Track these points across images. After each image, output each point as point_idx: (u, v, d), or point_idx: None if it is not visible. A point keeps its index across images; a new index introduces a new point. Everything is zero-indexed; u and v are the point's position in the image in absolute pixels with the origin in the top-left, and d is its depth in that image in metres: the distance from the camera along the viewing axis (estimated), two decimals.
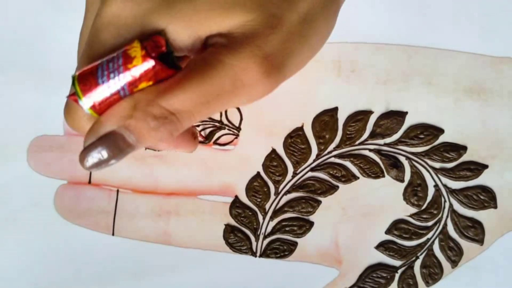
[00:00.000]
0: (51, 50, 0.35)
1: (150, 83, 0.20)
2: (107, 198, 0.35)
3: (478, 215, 0.34)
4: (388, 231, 0.34)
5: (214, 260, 0.34)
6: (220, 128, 0.34)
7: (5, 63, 0.35)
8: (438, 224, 0.34)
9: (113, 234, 0.35)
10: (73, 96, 0.20)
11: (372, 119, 0.34)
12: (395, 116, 0.34)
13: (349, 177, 0.34)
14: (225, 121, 0.34)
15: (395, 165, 0.34)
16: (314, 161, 0.34)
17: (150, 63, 0.19)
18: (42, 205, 0.35)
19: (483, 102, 0.34)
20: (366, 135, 0.34)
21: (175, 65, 0.20)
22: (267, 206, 0.34)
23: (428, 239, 0.34)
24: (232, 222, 0.34)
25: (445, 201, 0.34)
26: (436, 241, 0.34)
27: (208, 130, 0.35)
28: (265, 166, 0.34)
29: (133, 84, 0.19)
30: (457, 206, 0.34)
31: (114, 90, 0.19)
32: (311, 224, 0.34)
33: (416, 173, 0.34)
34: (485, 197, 0.34)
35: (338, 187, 0.34)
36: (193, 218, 0.34)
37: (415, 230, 0.34)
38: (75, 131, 0.22)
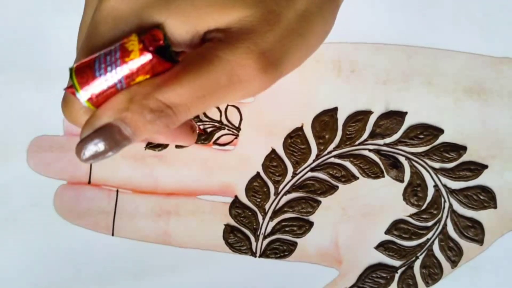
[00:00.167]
0: (51, 50, 0.35)
1: (147, 76, 0.20)
2: (106, 198, 0.35)
3: (478, 215, 0.34)
4: (388, 231, 0.34)
5: (214, 260, 0.34)
6: (220, 128, 0.34)
7: (5, 63, 0.35)
8: (438, 224, 0.34)
9: (112, 234, 0.35)
10: (71, 89, 0.20)
11: (372, 119, 0.34)
12: (395, 116, 0.34)
13: (349, 177, 0.34)
14: (225, 121, 0.34)
15: (395, 165, 0.34)
16: (314, 161, 0.34)
17: (147, 57, 0.19)
18: (42, 205, 0.35)
19: (483, 102, 0.34)
20: (366, 135, 0.34)
21: (173, 59, 0.20)
22: (267, 206, 0.34)
23: (428, 239, 0.34)
24: (232, 222, 0.34)
25: (445, 201, 0.34)
26: (436, 241, 0.34)
27: (208, 130, 0.35)
28: (265, 166, 0.34)
29: (130, 77, 0.19)
30: (457, 206, 0.34)
31: (111, 83, 0.19)
32: (311, 224, 0.34)
33: (416, 173, 0.34)
34: (485, 197, 0.34)
35: (338, 187, 0.34)
36: (193, 218, 0.34)
37: (415, 230, 0.34)
38: (72, 124, 0.22)
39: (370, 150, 0.34)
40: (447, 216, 0.34)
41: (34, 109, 0.35)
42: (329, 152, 0.34)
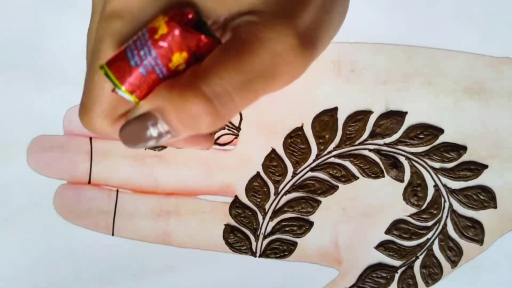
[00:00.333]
0: (51, 50, 0.35)
1: (184, 54, 0.19)
2: (107, 198, 0.35)
3: (478, 215, 0.34)
4: (388, 231, 0.34)
5: (214, 260, 0.34)
6: (220, 128, 0.34)
7: (5, 63, 0.35)
8: (438, 224, 0.34)
9: (112, 234, 0.35)
10: (113, 90, 0.19)
11: (372, 119, 0.34)
12: (395, 116, 0.34)
13: (349, 177, 0.34)
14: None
15: (395, 165, 0.34)
16: (314, 161, 0.34)
17: (175, 29, 0.18)
18: (42, 205, 0.35)
19: (483, 102, 0.34)
20: (366, 135, 0.34)
21: (210, 34, 0.19)
22: (267, 206, 0.34)
23: (428, 239, 0.34)
24: (232, 222, 0.34)
25: (445, 201, 0.34)
26: (436, 241, 0.34)
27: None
28: (265, 166, 0.34)
29: (165, 56, 0.18)
30: (457, 206, 0.34)
31: (149, 67, 0.18)
32: (311, 224, 0.34)
33: (416, 173, 0.34)
34: (485, 197, 0.34)
35: (338, 187, 0.34)
36: (193, 218, 0.34)
37: (415, 230, 0.34)
38: (92, 132, 0.21)
39: (370, 150, 0.34)
40: (447, 216, 0.34)
41: (34, 109, 0.35)
42: (329, 152, 0.34)
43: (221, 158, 0.34)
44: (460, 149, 0.34)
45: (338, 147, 0.34)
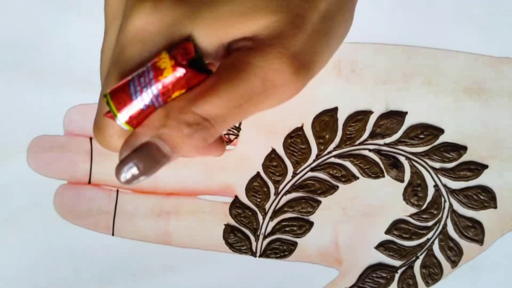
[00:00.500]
0: (51, 50, 0.35)
1: (183, 90, 0.19)
2: (107, 198, 0.35)
3: (478, 215, 0.34)
4: (388, 231, 0.34)
5: (214, 260, 0.34)
6: None
7: (5, 63, 0.35)
8: (438, 224, 0.34)
9: (113, 234, 0.35)
10: (109, 114, 0.20)
11: (372, 119, 0.34)
12: (395, 116, 0.34)
13: (349, 177, 0.34)
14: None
15: (395, 165, 0.34)
16: (314, 161, 0.34)
17: (180, 72, 0.19)
18: (42, 205, 0.35)
19: (483, 102, 0.34)
20: (366, 135, 0.34)
21: (206, 70, 0.20)
22: (267, 206, 0.34)
23: (428, 239, 0.34)
24: (232, 222, 0.34)
25: (445, 201, 0.34)
26: (436, 241, 0.34)
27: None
28: (265, 166, 0.34)
29: (166, 94, 0.19)
30: (457, 206, 0.34)
31: (148, 102, 0.19)
32: (311, 224, 0.34)
33: (416, 173, 0.34)
34: (485, 197, 0.34)
35: (338, 187, 0.34)
36: (193, 218, 0.34)
37: (415, 230, 0.34)
38: (107, 149, 0.22)
39: (370, 150, 0.34)
40: (447, 216, 0.34)
41: (34, 109, 0.35)
42: (329, 152, 0.34)
43: (221, 158, 0.34)
44: (460, 149, 0.34)
45: (338, 147, 0.34)
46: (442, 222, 0.34)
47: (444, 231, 0.34)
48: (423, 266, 0.34)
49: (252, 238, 0.34)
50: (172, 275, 0.35)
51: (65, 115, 0.35)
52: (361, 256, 0.34)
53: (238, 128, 0.34)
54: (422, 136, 0.34)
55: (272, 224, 0.34)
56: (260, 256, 0.34)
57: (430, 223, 0.34)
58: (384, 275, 0.34)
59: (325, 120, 0.34)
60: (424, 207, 0.34)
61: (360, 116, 0.34)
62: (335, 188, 0.34)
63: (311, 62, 0.21)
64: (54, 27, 0.35)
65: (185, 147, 0.19)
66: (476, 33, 0.34)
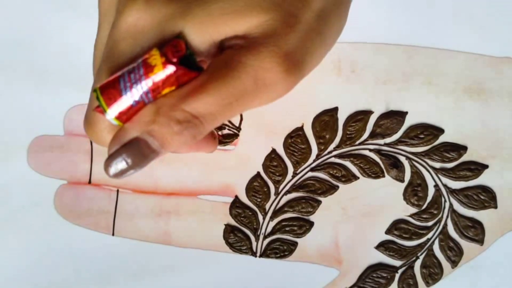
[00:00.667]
0: (51, 50, 0.35)
1: (173, 87, 0.20)
2: (107, 198, 0.35)
3: (478, 215, 0.34)
4: (388, 231, 0.34)
5: (214, 260, 0.34)
6: (220, 128, 0.34)
7: (5, 63, 0.35)
8: (438, 224, 0.34)
9: (113, 234, 0.35)
10: (98, 108, 0.20)
11: (372, 119, 0.34)
12: (395, 116, 0.34)
13: (349, 177, 0.34)
14: (225, 121, 0.34)
15: (395, 165, 0.34)
16: (314, 161, 0.34)
17: (171, 69, 0.19)
18: (42, 205, 0.35)
19: (483, 102, 0.34)
20: (366, 135, 0.34)
21: (197, 67, 0.20)
22: (267, 206, 0.34)
23: (428, 239, 0.34)
24: (232, 222, 0.34)
25: (445, 201, 0.34)
26: (436, 241, 0.34)
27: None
28: (265, 166, 0.34)
29: (155, 90, 0.19)
30: (457, 206, 0.34)
31: (138, 98, 0.19)
32: (311, 224, 0.34)
33: (416, 173, 0.34)
34: (485, 197, 0.34)
35: (338, 187, 0.34)
36: (193, 218, 0.34)
37: (415, 230, 0.34)
38: (97, 144, 0.22)
39: (370, 150, 0.34)
40: (447, 216, 0.34)
41: (34, 109, 0.35)
42: (330, 152, 0.34)
43: (221, 158, 0.34)
44: (460, 149, 0.34)
45: (338, 147, 0.34)
46: (442, 222, 0.34)
47: (444, 231, 0.34)
48: (423, 266, 0.34)
49: (252, 238, 0.34)
50: (172, 275, 0.35)
51: (65, 115, 0.35)
52: (361, 256, 0.34)
53: (238, 128, 0.34)
54: (422, 136, 0.34)
55: (272, 224, 0.34)
56: (260, 256, 0.34)
57: (430, 223, 0.34)
58: (385, 275, 0.34)
59: (325, 120, 0.34)
60: (424, 207, 0.34)
61: (360, 116, 0.34)
62: (335, 188, 0.34)
63: (303, 61, 0.21)
64: (54, 27, 0.35)
65: (174, 143, 0.19)
66: (476, 33, 0.34)
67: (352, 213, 0.34)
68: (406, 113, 0.34)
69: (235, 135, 0.34)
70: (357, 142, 0.34)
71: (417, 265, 0.34)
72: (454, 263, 0.34)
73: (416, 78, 0.34)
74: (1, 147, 0.35)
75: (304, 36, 0.20)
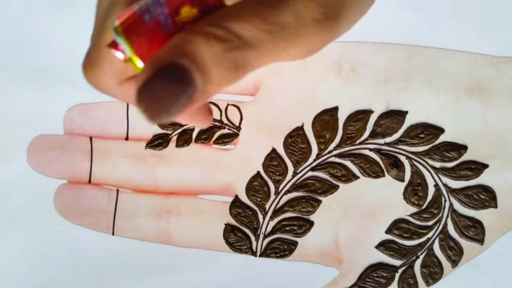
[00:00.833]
0: (51, 50, 0.35)
1: (194, 10, 0.17)
2: (107, 198, 0.35)
3: (479, 215, 0.34)
4: (388, 231, 0.34)
5: (214, 260, 0.34)
6: (220, 128, 0.34)
7: (5, 63, 0.35)
8: (438, 224, 0.34)
9: (113, 234, 0.35)
10: (113, 44, 0.17)
11: (373, 119, 0.34)
12: (395, 116, 0.34)
13: (350, 177, 0.34)
14: (225, 121, 0.34)
15: (395, 164, 0.34)
16: (314, 160, 0.34)
17: None
18: (42, 205, 0.35)
19: (483, 101, 0.34)
20: (366, 134, 0.34)
21: None
22: (267, 206, 0.34)
23: (429, 239, 0.34)
24: (232, 221, 0.34)
25: (445, 200, 0.34)
26: (436, 241, 0.34)
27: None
28: (265, 165, 0.34)
29: (173, 4, 0.17)
30: (457, 206, 0.34)
31: (153, 14, 0.17)
32: (311, 223, 0.34)
33: (416, 173, 0.34)
34: (486, 197, 0.34)
35: (338, 186, 0.34)
36: (193, 217, 0.34)
37: (416, 230, 0.34)
38: (97, 89, 0.20)
39: (370, 150, 0.34)
40: (447, 216, 0.34)
41: (34, 109, 0.35)
42: (330, 152, 0.34)
43: (222, 158, 0.34)
44: (460, 148, 0.34)
45: (338, 146, 0.34)
46: (443, 222, 0.34)
47: (444, 231, 0.34)
48: (423, 265, 0.34)
49: (252, 237, 0.34)
50: (172, 275, 0.35)
51: (65, 115, 0.35)
52: (362, 256, 0.34)
53: (238, 128, 0.34)
54: (422, 135, 0.34)
55: (272, 223, 0.34)
56: (260, 255, 0.34)
57: (430, 223, 0.34)
58: (385, 274, 0.34)
59: (326, 120, 0.34)
60: (424, 206, 0.34)
61: (361, 116, 0.34)
62: (335, 187, 0.34)
63: (340, 12, 0.20)
64: (54, 26, 0.35)
65: (214, 71, 0.16)
66: (476, 32, 0.34)
67: (352, 212, 0.34)
68: (406, 112, 0.34)
69: (235, 135, 0.34)
70: (357, 142, 0.34)
71: (417, 264, 0.34)
72: (454, 263, 0.34)
73: (417, 77, 0.34)
74: (1, 147, 0.35)
75: None
